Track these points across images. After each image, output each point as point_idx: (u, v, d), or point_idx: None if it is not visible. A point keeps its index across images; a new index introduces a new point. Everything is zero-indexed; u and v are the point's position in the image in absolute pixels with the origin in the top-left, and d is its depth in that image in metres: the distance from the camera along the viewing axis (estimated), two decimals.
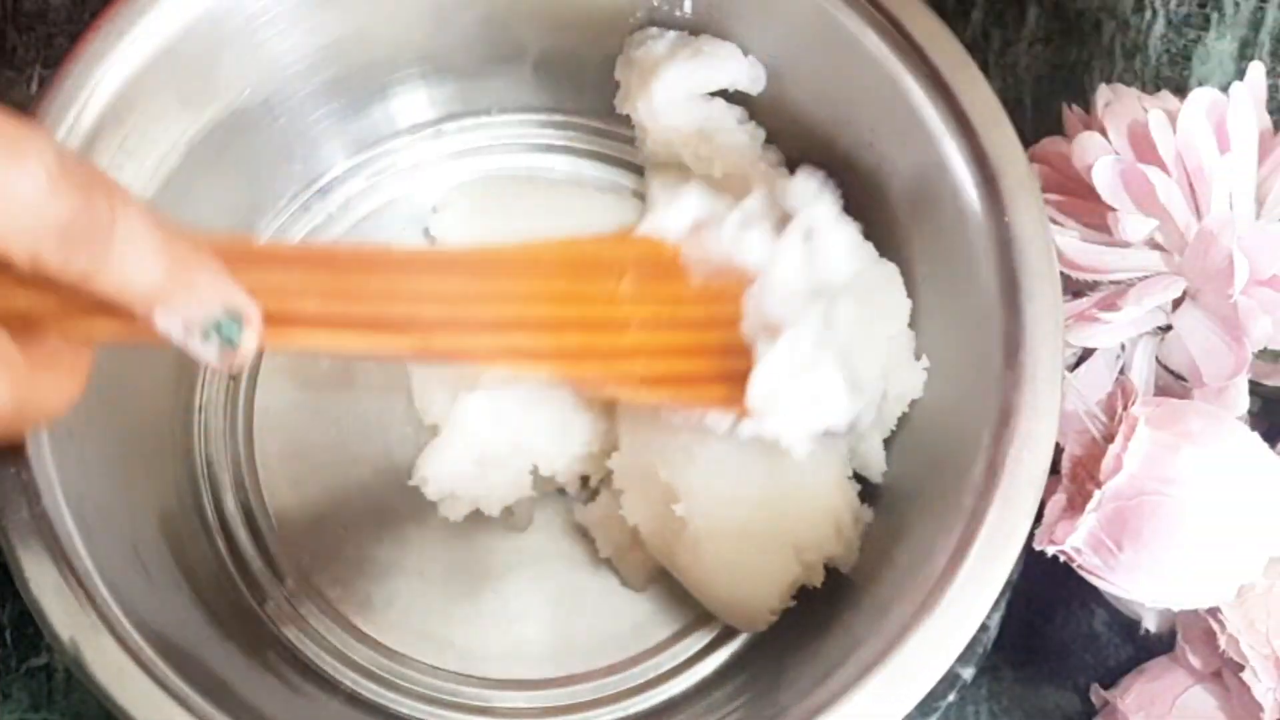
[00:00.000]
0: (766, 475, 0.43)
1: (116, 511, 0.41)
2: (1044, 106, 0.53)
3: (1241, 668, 0.40)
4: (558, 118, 0.52)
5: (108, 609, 0.37)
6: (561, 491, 0.47)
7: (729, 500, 0.43)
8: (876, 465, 0.45)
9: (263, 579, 0.47)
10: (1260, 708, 0.40)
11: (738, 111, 0.47)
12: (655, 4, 0.46)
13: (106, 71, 0.41)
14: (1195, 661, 0.43)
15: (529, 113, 0.52)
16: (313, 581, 0.47)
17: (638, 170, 0.51)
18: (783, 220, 0.43)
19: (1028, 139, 0.48)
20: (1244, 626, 0.40)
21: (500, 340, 0.39)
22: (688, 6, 0.46)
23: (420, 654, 0.46)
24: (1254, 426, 0.40)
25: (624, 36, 0.47)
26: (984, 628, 0.40)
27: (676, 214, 0.44)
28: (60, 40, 0.53)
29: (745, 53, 0.46)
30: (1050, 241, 0.39)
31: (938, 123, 0.41)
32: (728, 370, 0.41)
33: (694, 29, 0.46)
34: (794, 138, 0.47)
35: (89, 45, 0.41)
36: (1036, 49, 0.55)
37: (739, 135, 0.47)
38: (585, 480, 0.47)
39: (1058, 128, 0.49)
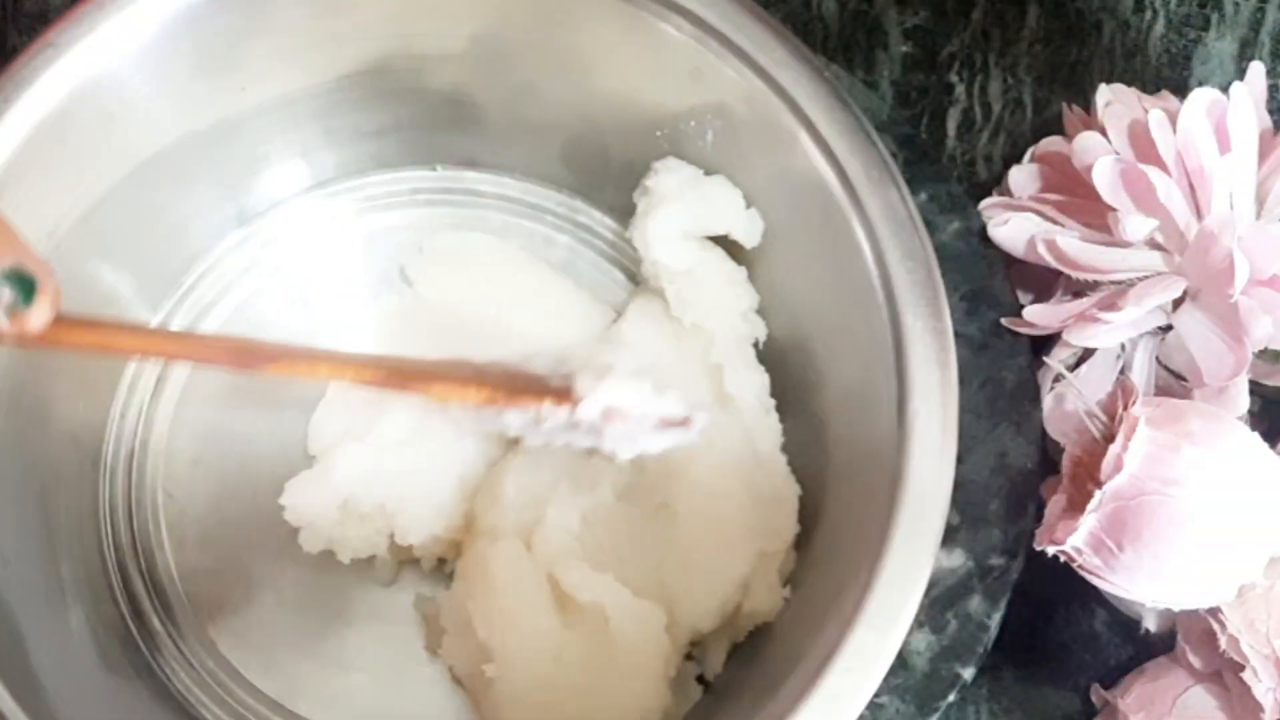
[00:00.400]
0: (584, 662, 0.43)
1: None
2: (1044, 106, 0.53)
3: (1242, 668, 0.40)
4: (578, 201, 0.52)
5: None
6: (417, 563, 0.47)
7: (542, 675, 0.43)
8: (713, 667, 0.45)
9: (123, 541, 0.47)
10: (1260, 708, 0.40)
11: (732, 269, 0.47)
12: (681, 127, 0.46)
13: None
14: (1195, 661, 0.42)
15: (548, 185, 0.52)
16: (171, 564, 0.47)
17: (635, 279, 0.51)
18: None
19: (1028, 139, 0.48)
20: (1244, 626, 0.40)
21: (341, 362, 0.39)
22: (710, 138, 0.46)
23: (246, 668, 0.46)
24: (1254, 426, 0.40)
25: (650, 148, 0.48)
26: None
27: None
28: None
29: (749, 204, 0.46)
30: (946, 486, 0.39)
31: (886, 341, 0.41)
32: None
33: (711, 168, 0.47)
34: (773, 309, 0.48)
35: None
36: (1037, 49, 0.55)
37: (725, 293, 0.47)
38: (442, 562, 0.47)
39: (1058, 128, 0.49)
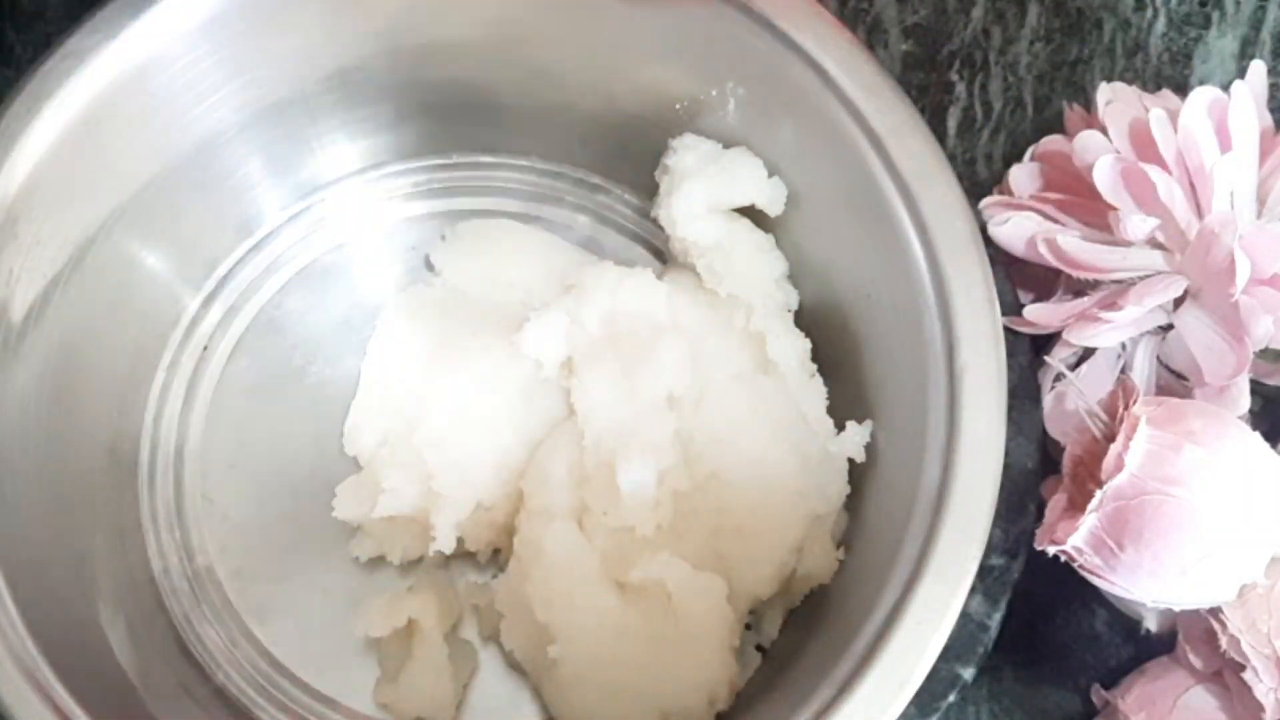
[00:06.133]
0: (648, 638, 0.43)
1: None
2: (1045, 105, 0.53)
3: (1242, 668, 0.40)
4: (595, 179, 0.52)
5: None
6: (471, 555, 0.48)
7: (606, 653, 0.43)
8: (769, 634, 0.46)
9: (167, 549, 0.48)
10: (1261, 708, 0.40)
11: (760, 238, 0.47)
12: (701, 98, 0.46)
13: (25, 142, 0.41)
14: (1196, 662, 0.42)
15: (565, 166, 0.52)
16: (216, 569, 0.47)
17: (661, 257, 0.51)
18: None
19: (1028, 138, 0.48)
20: (1245, 626, 0.40)
21: None
22: (731, 106, 0.46)
23: (299, 668, 0.46)
24: (1255, 426, 0.40)
25: (668, 122, 0.48)
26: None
27: None
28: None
29: (771, 173, 0.46)
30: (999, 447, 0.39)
31: (928, 293, 0.41)
32: None
33: (731, 140, 0.47)
34: (804, 274, 0.48)
35: (10, 113, 0.41)
36: (1037, 47, 0.54)
37: (755, 261, 0.47)
38: (496, 552, 0.48)
39: (1058, 126, 0.49)
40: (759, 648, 0.46)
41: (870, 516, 0.44)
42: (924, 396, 0.40)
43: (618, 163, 0.51)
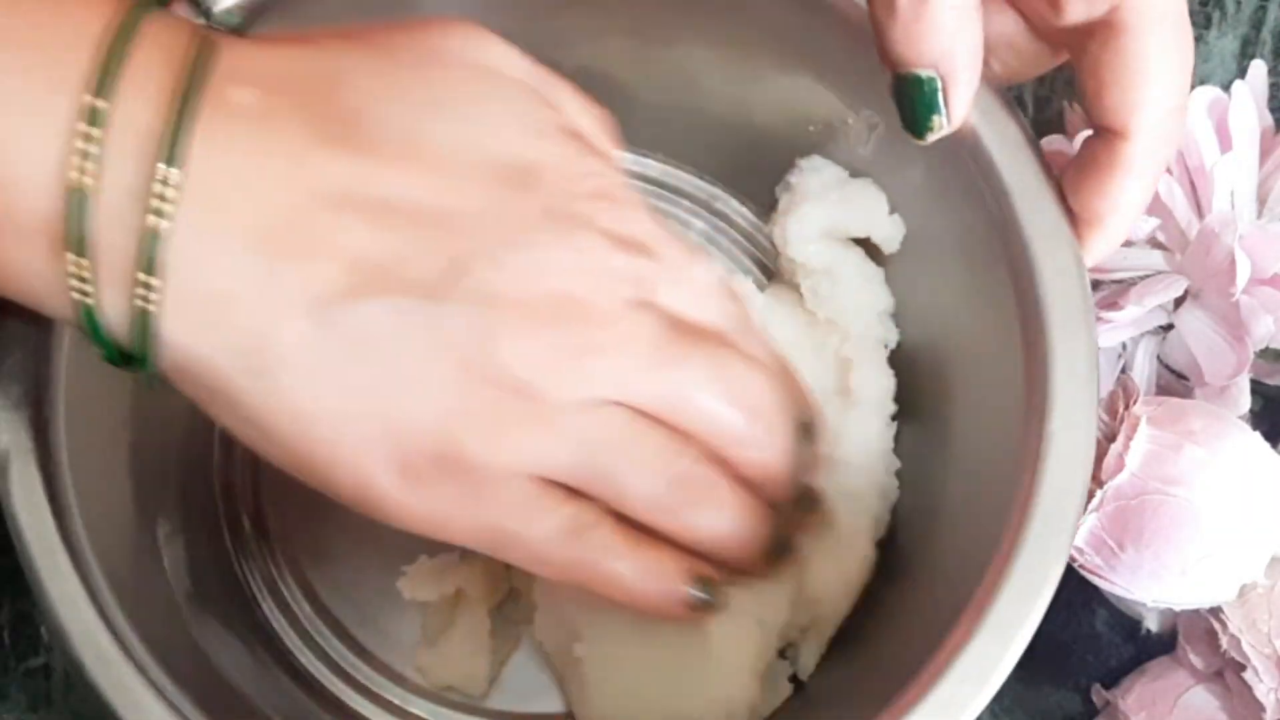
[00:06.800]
0: (676, 648, 0.42)
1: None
2: (1045, 105, 0.53)
3: (1243, 668, 0.40)
4: (718, 188, 0.51)
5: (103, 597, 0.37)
6: None
7: (630, 658, 0.42)
8: (806, 668, 0.45)
9: (234, 464, 0.47)
10: (1262, 708, 0.40)
11: (871, 270, 0.47)
12: (836, 124, 0.46)
13: None
14: (1197, 661, 0.42)
15: (689, 169, 0.51)
16: (279, 502, 0.47)
17: (768, 273, 0.51)
18: None
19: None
20: (1246, 626, 0.40)
21: None
22: (866, 138, 0.45)
23: (344, 617, 0.46)
24: (1255, 426, 0.40)
25: (799, 140, 0.47)
26: None
27: None
28: None
29: (892, 210, 0.46)
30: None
31: (1030, 360, 0.39)
32: None
33: (859, 170, 0.46)
34: (907, 315, 0.47)
35: None
36: None
37: (862, 293, 0.46)
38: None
39: (1059, 126, 0.48)
40: (794, 680, 0.45)
41: (928, 563, 0.43)
42: (1005, 454, 0.39)
43: (741, 174, 0.50)
